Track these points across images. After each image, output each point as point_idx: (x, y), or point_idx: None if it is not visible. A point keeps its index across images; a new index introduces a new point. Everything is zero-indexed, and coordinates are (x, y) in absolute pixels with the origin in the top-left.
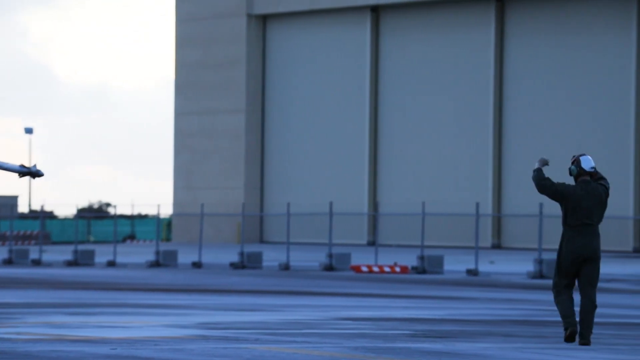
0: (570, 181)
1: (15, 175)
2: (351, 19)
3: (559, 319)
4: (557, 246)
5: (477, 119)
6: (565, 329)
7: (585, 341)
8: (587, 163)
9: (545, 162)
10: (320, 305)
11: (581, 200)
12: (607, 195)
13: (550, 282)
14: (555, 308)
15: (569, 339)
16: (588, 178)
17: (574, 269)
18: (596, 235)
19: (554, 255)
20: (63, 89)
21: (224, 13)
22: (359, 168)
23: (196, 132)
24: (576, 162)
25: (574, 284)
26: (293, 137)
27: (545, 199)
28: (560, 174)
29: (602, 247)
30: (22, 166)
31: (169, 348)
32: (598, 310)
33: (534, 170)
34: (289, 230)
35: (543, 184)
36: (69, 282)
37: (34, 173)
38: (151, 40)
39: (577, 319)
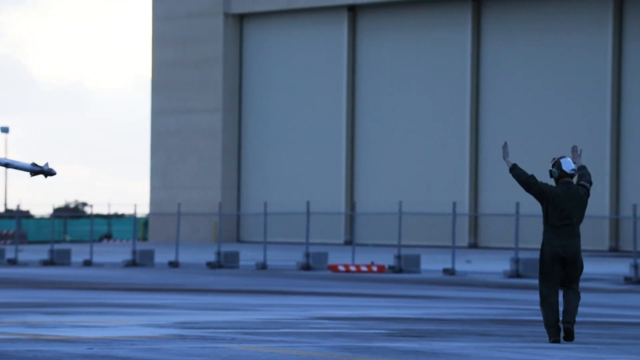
0: (551, 182)
1: (27, 174)
2: (328, 19)
3: (536, 318)
4: (533, 245)
5: (454, 118)
6: (550, 338)
7: (569, 326)
8: (568, 165)
9: (506, 149)
10: (297, 305)
11: (562, 201)
12: (587, 196)
13: (526, 281)
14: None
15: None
16: (569, 180)
17: (556, 268)
18: (576, 235)
19: (530, 255)
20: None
21: (201, 12)
22: (336, 167)
23: (173, 131)
24: (557, 164)
25: (558, 286)
26: (270, 136)
27: (521, 198)
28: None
29: None
30: (34, 165)
31: (146, 347)
32: None
33: (512, 167)
34: (266, 230)
35: (527, 182)
36: (45, 281)
37: (47, 172)
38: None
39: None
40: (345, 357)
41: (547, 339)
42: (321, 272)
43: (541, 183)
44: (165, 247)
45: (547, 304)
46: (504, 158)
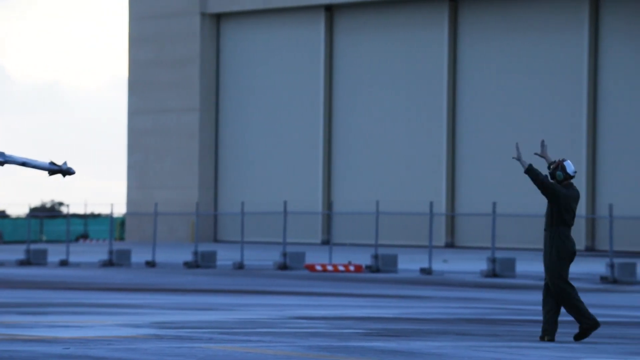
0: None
1: (45, 173)
2: (305, 18)
3: (512, 317)
4: (510, 245)
5: (431, 118)
6: (593, 327)
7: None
8: (570, 168)
9: (519, 150)
10: (274, 305)
11: (571, 202)
12: None
13: (502, 280)
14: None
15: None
16: (571, 182)
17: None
18: None
19: (506, 254)
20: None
21: (178, 11)
22: (313, 167)
23: (150, 131)
24: (561, 167)
25: None
26: (247, 136)
27: (498, 197)
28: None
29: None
30: (52, 163)
31: (123, 347)
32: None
33: (528, 168)
34: (243, 229)
35: (544, 183)
36: (21, 281)
37: (65, 171)
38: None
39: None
40: (322, 356)
41: (522, 338)
42: (298, 271)
43: (554, 184)
44: (142, 246)
45: (577, 298)
46: (518, 159)
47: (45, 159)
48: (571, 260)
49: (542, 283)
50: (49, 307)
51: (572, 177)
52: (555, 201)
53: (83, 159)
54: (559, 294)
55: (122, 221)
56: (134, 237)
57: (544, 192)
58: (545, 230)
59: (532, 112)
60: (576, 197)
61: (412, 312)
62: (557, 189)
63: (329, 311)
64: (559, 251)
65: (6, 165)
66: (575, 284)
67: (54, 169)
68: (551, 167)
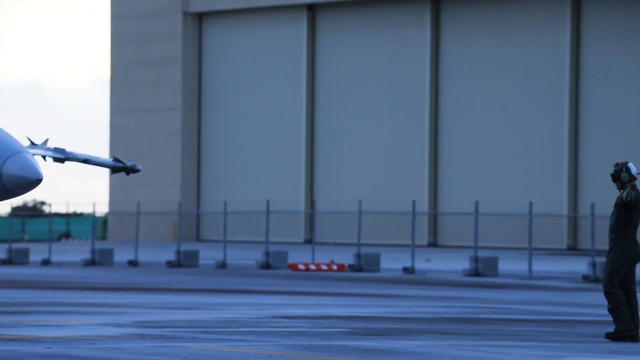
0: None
1: (107, 170)
2: (287, 17)
3: (495, 316)
4: (492, 244)
5: (413, 117)
6: (632, 335)
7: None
8: (634, 169)
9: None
10: (257, 304)
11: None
12: None
13: (485, 279)
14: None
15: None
16: (635, 183)
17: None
18: None
19: (489, 253)
20: None
21: (160, 10)
22: (295, 166)
23: (132, 130)
24: (625, 169)
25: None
26: (229, 135)
27: (480, 197)
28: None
29: (536, 244)
30: (116, 160)
31: (105, 347)
32: (533, 308)
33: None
34: (225, 229)
35: (632, 202)
36: (3, 281)
37: (129, 168)
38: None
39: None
40: (304, 355)
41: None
42: (281, 271)
43: (632, 198)
44: (124, 246)
45: (623, 305)
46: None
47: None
48: (633, 266)
49: (524, 282)
50: (31, 307)
51: (635, 178)
52: (629, 209)
53: None
54: (609, 292)
55: (104, 220)
56: (116, 237)
57: (630, 210)
58: (613, 234)
59: (514, 112)
60: None
61: (395, 311)
62: (637, 200)
63: (312, 310)
64: (621, 257)
65: (67, 163)
66: (557, 283)
67: (117, 166)
68: (615, 169)
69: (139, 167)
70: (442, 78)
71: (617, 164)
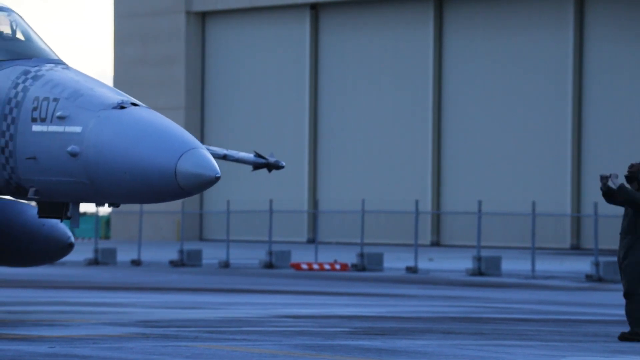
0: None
1: (249, 167)
2: (290, 17)
3: (498, 315)
4: (495, 243)
5: (416, 117)
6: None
7: None
8: None
9: (616, 176)
10: (260, 303)
11: None
12: None
13: (488, 279)
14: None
15: None
16: None
17: None
18: None
19: (492, 253)
20: None
21: (163, 10)
22: (298, 165)
23: None
24: None
25: None
26: (232, 134)
27: (483, 196)
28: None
29: (539, 244)
30: (258, 156)
31: (108, 346)
32: (536, 307)
33: (620, 186)
34: (228, 228)
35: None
36: (5, 280)
37: (272, 164)
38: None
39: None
40: (308, 355)
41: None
42: (284, 270)
43: None
44: (127, 245)
45: None
46: (614, 186)
47: (248, 152)
48: None
49: (527, 281)
50: (34, 306)
51: None
52: None
53: None
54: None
55: (107, 220)
56: (119, 236)
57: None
58: (626, 234)
59: (517, 111)
60: None
61: (398, 311)
62: None
63: (315, 310)
64: None
65: None
66: (560, 282)
67: (259, 162)
68: (630, 170)
69: (283, 163)
70: (445, 77)
71: (632, 165)
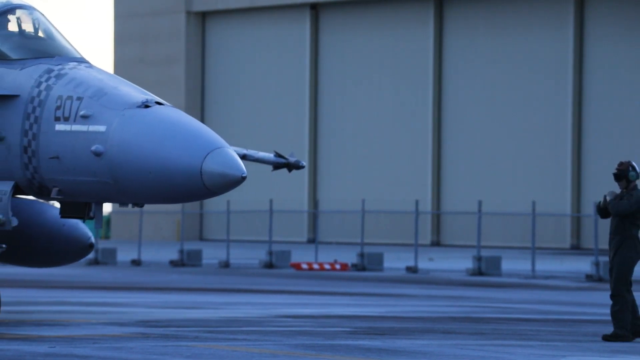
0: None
1: (269, 167)
2: (290, 17)
3: (498, 315)
4: (495, 243)
5: (417, 117)
6: (631, 338)
7: None
8: (638, 167)
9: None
10: (260, 303)
11: None
12: None
13: (488, 279)
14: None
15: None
16: (637, 183)
17: None
18: None
19: (492, 253)
20: None
21: (163, 10)
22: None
23: None
24: (632, 167)
25: None
26: (232, 134)
27: (484, 196)
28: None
29: (539, 244)
30: (278, 156)
31: (108, 346)
32: (536, 307)
33: (616, 203)
34: (229, 228)
35: (635, 204)
36: (6, 280)
37: (293, 164)
38: (89, 37)
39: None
40: (308, 355)
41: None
42: (284, 270)
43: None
44: (127, 245)
45: (629, 308)
46: (609, 203)
47: (269, 151)
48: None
49: (527, 281)
50: (35, 306)
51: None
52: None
53: None
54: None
55: (107, 219)
56: (119, 236)
57: (635, 211)
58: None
59: (517, 111)
60: None
61: (398, 311)
62: None
63: (315, 310)
64: (630, 259)
65: None
66: (560, 282)
67: (280, 162)
68: (619, 168)
69: (303, 162)
70: (445, 76)
71: (621, 163)
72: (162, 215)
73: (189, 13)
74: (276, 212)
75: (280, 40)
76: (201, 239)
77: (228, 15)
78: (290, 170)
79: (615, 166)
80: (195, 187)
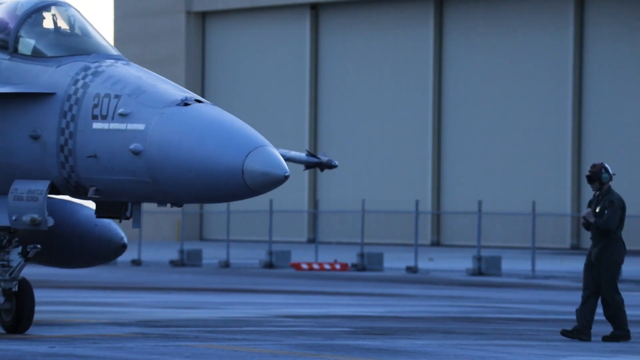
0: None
1: (300, 167)
2: (290, 17)
3: (498, 315)
4: (495, 243)
5: (417, 116)
6: (629, 338)
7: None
8: (610, 169)
9: (589, 213)
10: (260, 303)
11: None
12: None
13: (488, 279)
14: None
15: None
16: (610, 185)
17: None
18: None
19: (492, 252)
20: None
21: (163, 10)
22: (298, 165)
23: None
24: (604, 169)
25: None
26: None
27: (484, 196)
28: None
29: (540, 244)
30: (310, 155)
31: (109, 346)
32: (536, 307)
33: (604, 222)
34: (228, 228)
35: (616, 211)
36: None
37: (325, 164)
38: None
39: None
40: (308, 355)
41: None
42: (284, 270)
43: (617, 203)
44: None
45: (623, 307)
46: (595, 223)
47: (301, 151)
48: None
49: (527, 281)
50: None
51: (611, 179)
52: (621, 213)
53: None
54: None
55: None
56: None
57: (619, 217)
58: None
59: (517, 110)
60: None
61: (398, 311)
62: (624, 204)
63: (315, 310)
64: (616, 261)
65: None
66: (560, 282)
67: (312, 162)
68: (592, 170)
69: (336, 162)
70: (445, 76)
71: (594, 165)
72: (162, 215)
73: (189, 13)
74: (276, 212)
75: (280, 40)
76: (201, 239)
77: (228, 15)
78: (322, 170)
79: (588, 168)
80: (236, 186)
